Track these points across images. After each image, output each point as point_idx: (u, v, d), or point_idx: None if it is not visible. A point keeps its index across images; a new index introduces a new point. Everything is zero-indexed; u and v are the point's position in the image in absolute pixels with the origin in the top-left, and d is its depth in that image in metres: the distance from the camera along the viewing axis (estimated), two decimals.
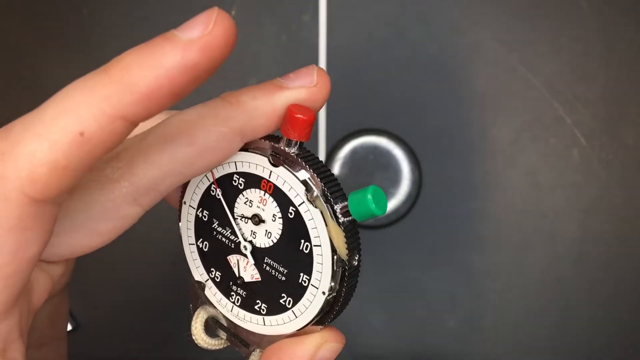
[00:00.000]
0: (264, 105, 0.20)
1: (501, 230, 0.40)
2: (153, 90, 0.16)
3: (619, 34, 0.39)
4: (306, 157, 0.21)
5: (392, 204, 0.40)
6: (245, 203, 0.22)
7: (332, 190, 0.21)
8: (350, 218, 0.21)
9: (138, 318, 0.42)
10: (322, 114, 0.40)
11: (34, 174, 0.16)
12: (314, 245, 0.21)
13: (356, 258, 0.21)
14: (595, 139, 0.40)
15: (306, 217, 0.21)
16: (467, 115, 0.40)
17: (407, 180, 0.40)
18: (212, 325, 0.24)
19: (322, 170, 0.21)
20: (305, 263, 0.21)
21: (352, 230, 0.21)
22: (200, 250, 0.24)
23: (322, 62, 0.40)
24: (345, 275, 0.21)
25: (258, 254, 0.22)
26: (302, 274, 0.21)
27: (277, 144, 0.21)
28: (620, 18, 0.39)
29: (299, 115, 0.20)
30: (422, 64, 0.40)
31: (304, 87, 0.21)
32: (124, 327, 0.41)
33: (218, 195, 0.22)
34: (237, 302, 0.23)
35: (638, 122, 0.40)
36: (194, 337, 0.24)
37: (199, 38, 0.16)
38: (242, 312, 0.23)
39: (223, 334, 0.24)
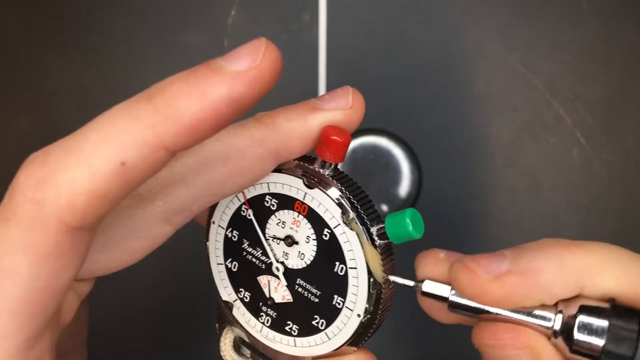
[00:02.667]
0: (299, 127, 0.20)
1: (501, 230, 0.40)
2: (198, 121, 0.16)
3: (619, 33, 0.39)
4: (341, 179, 0.21)
5: (392, 204, 0.40)
6: (277, 224, 0.22)
7: (367, 212, 0.21)
8: (387, 240, 0.21)
9: (137, 323, 0.42)
10: None
11: (73, 202, 0.16)
12: (350, 268, 0.21)
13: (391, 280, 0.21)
14: (595, 139, 0.40)
15: (342, 239, 0.21)
16: (467, 115, 0.40)
17: (407, 180, 0.40)
18: (238, 344, 0.24)
19: (357, 192, 0.21)
20: (340, 285, 0.21)
21: (388, 253, 0.21)
22: (228, 270, 0.23)
23: (322, 62, 0.40)
24: (381, 298, 0.21)
25: (290, 275, 0.22)
26: (336, 296, 0.21)
27: (311, 165, 0.21)
28: (620, 18, 0.39)
29: (334, 137, 0.20)
30: (422, 64, 0.40)
31: (340, 109, 0.21)
32: (122, 334, 0.41)
33: (249, 215, 0.22)
34: (267, 322, 0.23)
35: (638, 122, 0.39)
36: (222, 355, 0.24)
37: (246, 71, 0.16)
38: (272, 333, 0.23)
39: (248, 352, 0.24)
